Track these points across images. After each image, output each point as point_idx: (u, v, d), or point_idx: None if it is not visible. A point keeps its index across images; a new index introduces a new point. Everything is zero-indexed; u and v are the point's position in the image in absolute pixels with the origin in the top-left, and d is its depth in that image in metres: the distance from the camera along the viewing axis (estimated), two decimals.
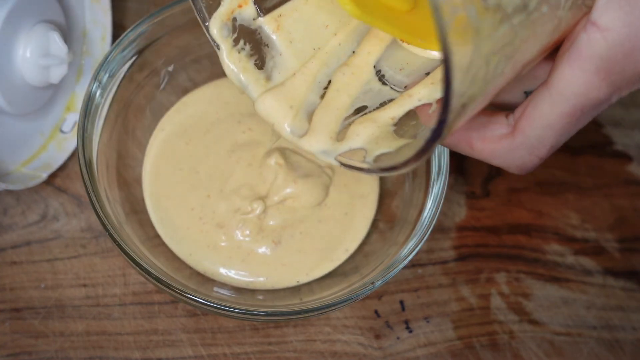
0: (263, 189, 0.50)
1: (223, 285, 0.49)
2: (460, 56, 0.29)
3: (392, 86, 0.41)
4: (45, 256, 0.50)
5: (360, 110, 0.40)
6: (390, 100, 0.40)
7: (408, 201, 0.49)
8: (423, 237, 0.45)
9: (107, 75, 0.47)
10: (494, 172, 0.56)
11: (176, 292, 0.43)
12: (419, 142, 0.32)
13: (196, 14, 0.41)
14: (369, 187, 0.52)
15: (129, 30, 0.48)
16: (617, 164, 0.57)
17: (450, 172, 0.52)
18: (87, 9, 0.52)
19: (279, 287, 0.49)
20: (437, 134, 0.31)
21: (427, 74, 0.40)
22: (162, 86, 0.52)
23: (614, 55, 0.34)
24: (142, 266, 0.43)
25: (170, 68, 0.52)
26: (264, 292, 0.49)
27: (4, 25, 0.44)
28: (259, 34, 0.42)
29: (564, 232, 0.55)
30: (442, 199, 0.46)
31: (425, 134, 0.31)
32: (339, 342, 0.49)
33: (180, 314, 0.49)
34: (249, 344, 0.48)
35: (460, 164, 0.56)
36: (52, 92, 0.50)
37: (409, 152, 0.33)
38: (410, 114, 0.39)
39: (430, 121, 0.38)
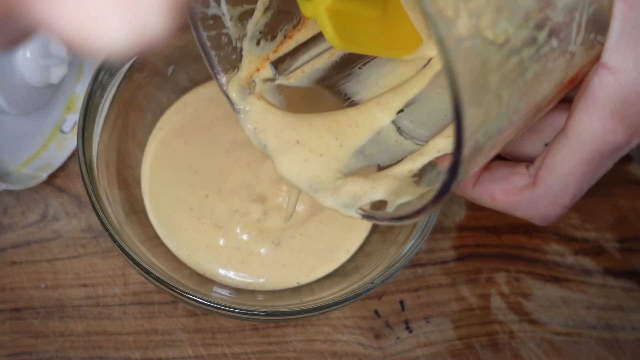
0: (262, 189, 0.50)
1: (223, 285, 0.49)
2: (468, 86, 0.28)
3: (413, 140, 0.41)
4: (45, 256, 0.50)
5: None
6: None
7: None
8: (423, 237, 0.45)
9: (107, 75, 0.47)
10: None
11: (176, 292, 0.43)
12: (438, 187, 0.32)
13: (210, 69, 0.42)
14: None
15: None
16: (617, 164, 0.57)
17: None
18: None
19: (279, 288, 0.49)
20: (452, 173, 0.30)
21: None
22: (162, 86, 0.52)
23: (628, 97, 0.33)
24: (142, 266, 0.43)
25: (170, 68, 0.52)
26: (264, 293, 0.49)
27: None
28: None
29: (564, 232, 0.55)
30: None
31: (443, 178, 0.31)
32: (339, 342, 0.49)
33: (180, 314, 0.49)
34: (249, 344, 0.48)
35: None
36: (52, 92, 0.50)
37: (428, 198, 0.33)
38: (432, 164, 0.39)
39: None
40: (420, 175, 0.39)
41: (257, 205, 0.50)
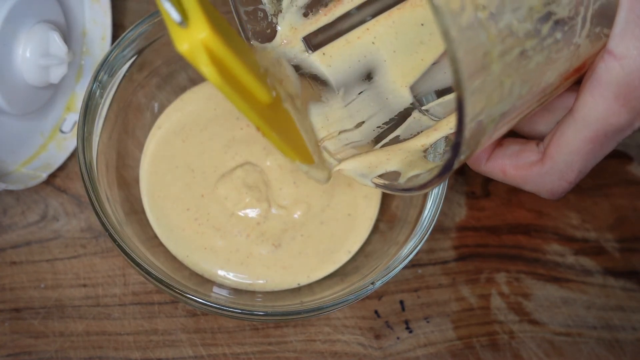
0: (261, 189, 0.50)
1: (223, 285, 0.48)
2: (470, 74, 0.30)
3: (430, 116, 0.43)
4: (45, 256, 0.50)
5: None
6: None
7: (408, 201, 0.49)
8: (423, 237, 0.45)
9: (107, 75, 0.47)
10: None
11: (176, 292, 0.43)
12: (442, 163, 0.34)
13: (246, 41, 0.44)
14: (373, 188, 0.52)
15: (128, 30, 0.48)
16: (617, 164, 0.57)
17: None
18: (87, 8, 0.52)
19: (279, 289, 0.49)
20: (455, 151, 0.32)
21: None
22: (162, 86, 0.52)
23: (631, 82, 0.35)
24: (142, 266, 0.43)
25: (170, 68, 0.52)
26: (264, 294, 0.49)
27: (4, 25, 0.44)
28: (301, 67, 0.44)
29: (564, 232, 0.55)
30: (442, 199, 0.46)
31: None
32: (339, 342, 0.49)
33: (180, 314, 0.49)
34: (249, 344, 0.48)
35: None
36: (52, 92, 0.50)
37: (435, 173, 0.35)
38: (447, 142, 0.41)
39: None
40: (433, 149, 0.41)
41: (257, 206, 0.50)
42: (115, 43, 0.47)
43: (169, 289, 0.43)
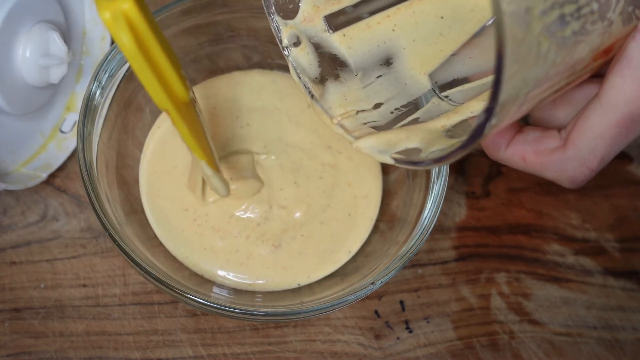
0: (261, 191, 0.50)
1: (223, 285, 0.48)
2: (512, 27, 0.30)
3: (449, 102, 0.43)
4: (45, 256, 0.49)
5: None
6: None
7: (408, 201, 0.49)
8: (423, 237, 0.45)
9: (107, 75, 0.47)
10: (494, 172, 0.56)
11: (176, 292, 0.43)
12: (472, 129, 0.33)
13: (265, 10, 0.44)
14: (373, 187, 0.52)
15: None
16: (617, 164, 0.57)
17: (450, 172, 0.52)
18: (87, 8, 0.52)
19: (279, 289, 0.49)
20: (488, 112, 0.31)
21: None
22: None
23: None
24: (142, 266, 0.43)
25: None
26: (264, 294, 0.49)
27: (4, 25, 0.44)
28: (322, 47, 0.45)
29: (564, 232, 0.55)
30: (442, 199, 0.46)
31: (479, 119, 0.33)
32: (339, 342, 0.49)
33: (180, 314, 0.49)
34: (249, 344, 0.48)
35: (460, 164, 0.56)
36: (52, 92, 0.50)
37: (463, 139, 0.34)
38: (464, 124, 0.41)
39: None
40: (452, 131, 0.40)
41: (257, 207, 0.50)
42: (115, 43, 0.47)
43: (168, 289, 0.43)
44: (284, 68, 0.55)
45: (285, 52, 0.44)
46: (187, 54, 0.52)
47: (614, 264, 0.54)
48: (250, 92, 0.53)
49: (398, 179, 0.51)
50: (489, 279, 0.52)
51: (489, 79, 0.42)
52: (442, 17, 0.43)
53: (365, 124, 0.43)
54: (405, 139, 0.41)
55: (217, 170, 0.45)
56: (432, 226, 0.46)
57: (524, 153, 0.39)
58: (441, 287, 0.52)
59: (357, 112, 0.43)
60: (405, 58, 0.44)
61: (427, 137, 0.40)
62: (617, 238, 0.55)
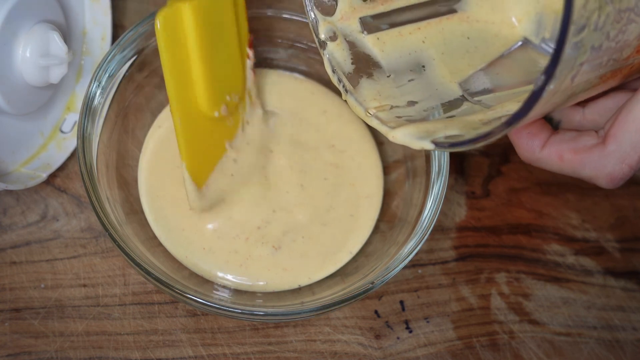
0: (261, 189, 0.50)
1: (223, 285, 0.48)
2: None
3: (483, 106, 0.43)
4: (45, 256, 0.49)
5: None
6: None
7: (408, 201, 0.49)
8: (423, 237, 0.45)
9: (107, 75, 0.47)
10: (494, 172, 0.56)
11: (176, 292, 0.43)
12: (529, 94, 0.33)
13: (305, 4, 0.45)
14: (375, 187, 0.51)
15: (129, 30, 0.48)
16: None
17: (450, 172, 0.52)
18: (87, 8, 0.52)
19: (279, 290, 0.49)
20: (549, 72, 0.31)
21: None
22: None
23: None
24: (142, 266, 0.43)
25: None
26: (264, 294, 0.49)
27: (4, 25, 0.44)
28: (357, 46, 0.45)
29: (564, 232, 0.55)
30: (442, 199, 0.46)
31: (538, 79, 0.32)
32: (339, 342, 0.49)
33: (180, 314, 0.49)
34: (249, 344, 0.48)
35: (460, 164, 0.56)
36: (52, 92, 0.50)
37: (516, 109, 0.34)
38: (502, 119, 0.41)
39: None
40: (491, 123, 0.40)
41: (258, 209, 0.49)
42: (115, 43, 0.47)
43: (168, 289, 0.43)
44: (284, 68, 0.55)
45: (321, 49, 0.45)
46: None
47: (614, 264, 0.54)
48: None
49: (398, 179, 0.52)
50: (489, 279, 0.52)
51: (521, 89, 0.42)
52: (468, 38, 0.44)
53: (399, 117, 0.43)
54: (443, 128, 0.40)
55: (199, 183, 0.47)
56: (432, 226, 0.46)
57: (561, 152, 0.39)
58: (441, 287, 0.52)
59: (392, 107, 0.44)
60: (435, 68, 0.44)
61: (467, 126, 0.40)
62: (617, 238, 0.55)
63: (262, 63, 0.54)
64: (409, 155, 0.51)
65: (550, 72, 0.31)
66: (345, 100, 0.44)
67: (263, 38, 0.53)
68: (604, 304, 0.53)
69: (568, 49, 0.31)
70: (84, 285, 0.49)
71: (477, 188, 0.55)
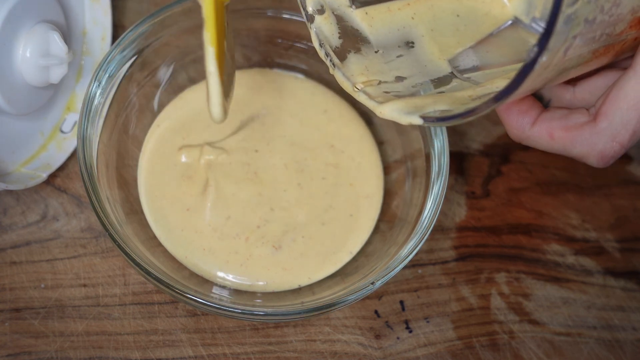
0: (261, 189, 0.50)
1: (223, 285, 0.48)
2: None
3: (472, 82, 0.42)
4: (45, 256, 0.50)
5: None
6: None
7: (408, 201, 0.49)
8: (423, 237, 0.45)
9: (107, 75, 0.47)
10: (494, 172, 0.56)
11: (176, 292, 0.43)
12: (520, 68, 0.32)
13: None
14: (375, 187, 0.51)
15: (129, 30, 0.48)
16: (617, 164, 0.57)
17: (450, 172, 0.52)
18: (87, 8, 0.52)
19: (279, 290, 0.49)
20: (542, 44, 0.31)
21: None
22: (162, 86, 0.52)
23: None
24: (142, 266, 0.43)
25: (170, 68, 0.52)
26: (264, 294, 0.49)
27: (4, 25, 0.44)
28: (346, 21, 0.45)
29: (564, 232, 0.55)
30: (442, 199, 0.46)
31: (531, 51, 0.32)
32: (339, 342, 0.49)
33: (180, 314, 0.49)
34: (249, 344, 0.48)
35: (460, 164, 0.56)
36: (52, 92, 0.50)
37: (503, 84, 0.33)
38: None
39: None
40: (480, 99, 0.40)
41: (258, 209, 0.49)
42: (115, 43, 0.47)
43: (168, 289, 0.43)
44: (284, 67, 0.55)
45: (309, 22, 0.45)
46: (187, 54, 0.52)
47: (614, 264, 0.54)
48: (250, 92, 0.53)
49: (398, 179, 0.52)
50: (489, 279, 0.52)
51: (510, 67, 0.41)
52: (458, 15, 0.43)
53: (387, 92, 0.43)
54: (432, 103, 0.40)
55: (221, 68, 0.42)
56: (432, 226, 0.46)
57: (551, 129, 0.38)
58: (441, 287, 0.52)
59: (380, 82, 0.44)
60: (424, 44, 0.44)
61: (456, 101, 0.40)
62: (617, 238, 0.55)
63: (263, 63, 0.54)
64: (409, 155, 0.51)
65: (543, 43, 0.31)
66: (333, 75, 0.44)
67: (263, 38, 0.53)
68: (604, 304, 0.53)
69: (562, 21, 0.31)
70: (84, 285, 0.49)
71: (477, 188, 0.55)
